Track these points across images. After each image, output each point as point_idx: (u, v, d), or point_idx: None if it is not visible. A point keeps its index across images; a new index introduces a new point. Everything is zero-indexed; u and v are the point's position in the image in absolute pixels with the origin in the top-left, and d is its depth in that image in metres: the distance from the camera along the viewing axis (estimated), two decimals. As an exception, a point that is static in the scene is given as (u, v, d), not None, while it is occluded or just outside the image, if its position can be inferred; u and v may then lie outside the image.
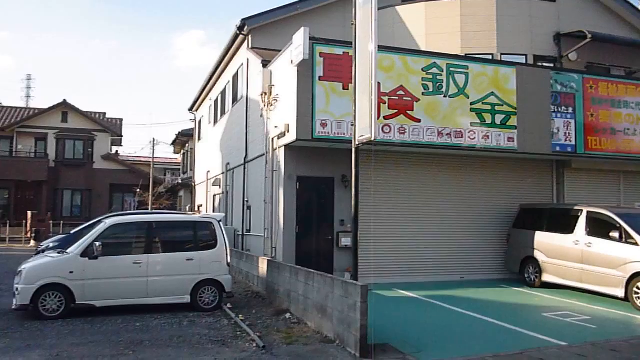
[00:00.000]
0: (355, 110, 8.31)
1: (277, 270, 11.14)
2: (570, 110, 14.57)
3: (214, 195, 22.10)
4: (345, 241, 12.79)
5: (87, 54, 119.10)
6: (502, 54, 16.53)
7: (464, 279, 14.12)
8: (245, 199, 16.43)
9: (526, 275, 13.55)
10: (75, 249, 9.82)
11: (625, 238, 11.25)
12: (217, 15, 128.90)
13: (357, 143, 8.31)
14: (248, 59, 16.82)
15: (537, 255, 13.21)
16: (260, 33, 16.82)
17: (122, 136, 39.67)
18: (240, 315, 9.72)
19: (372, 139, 7.71)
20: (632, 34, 18.75)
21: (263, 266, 12.27)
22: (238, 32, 16.93)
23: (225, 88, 20.78)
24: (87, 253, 9.70)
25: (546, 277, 12.97)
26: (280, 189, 13.10)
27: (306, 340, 8.12)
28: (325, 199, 13.30)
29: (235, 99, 18.77)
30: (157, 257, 10.19)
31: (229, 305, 10.68)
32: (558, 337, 8.28)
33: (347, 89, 11.77)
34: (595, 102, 14.89)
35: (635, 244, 11.01)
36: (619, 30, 18.50)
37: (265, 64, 14.40)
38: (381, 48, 12.66)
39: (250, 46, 16.73)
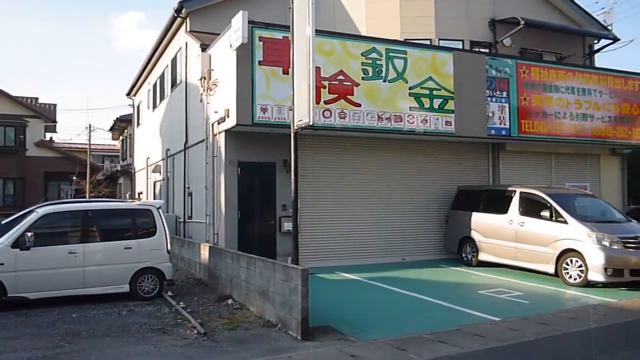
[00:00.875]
0: (293, 95, 8.30)
1: (219, 256, 11.07)
2: (505, 94, 15.05)
3: (155, 182, 21.65)
4: (288, 226, 12.83)
5: (19, 35, 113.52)
6: (440, 39, 16.85)
7: (405, 260, 14.44)
8: (187, 185, 16.19)
9: (464, 255, 13.99)
10: (5, 239, 9.42)
11: (555, 217, 11.76)
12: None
13: (296, 128, 8.32)
14: (187, 43, 16.48)
15: (474, 235, 13.66)
16: (199, 16, 16.45)
17: (56, 122, 38.08)
18: (182, 303, 9.63)
19: (311, 123, 7.73)
20: (562, 21, 19.45)
21: (205, 253, 12.17)
22: (176, 15, 16.52)
23: (164, 72, 20.30)
24: (19, 244, 9.33)
25: (482, 256, 13.43)
26: (222, 175, 12.97)
27: (248, 325, 8.13)
28: (267, 184, 13.27)
29: (174, 84, 18.38)
30: (94, 247, 9.92)
31: (170, 293, 10.55)
32: (492, 313, 8.61)
33: (288, 74, 11.62)
34: (528, 86, 15.42)
35: (565, 222, 11.54)
36: (550, 17, 19.15)
37: (204, 47, 14.15)
38: (321, 32, 12.70)
39: (188, 29, 16.37)
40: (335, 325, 7.85)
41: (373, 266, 13.42)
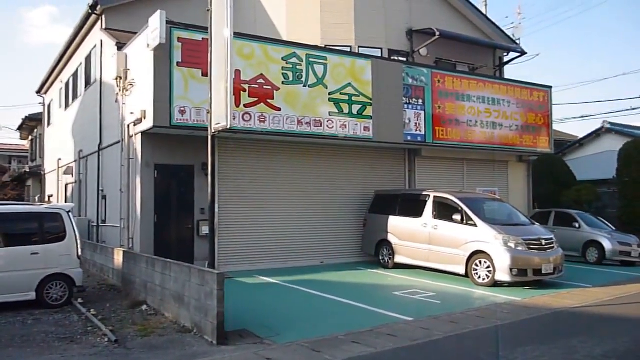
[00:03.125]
0: (211, 97, 8.22)
1: (134, 261, 10.75)
2: (420, 102, 15.59)
3: (66, 185, 20.70)
4: (206, 229, 12.61)
5: None
6: (359, 47, 17.18)
7: (324, 263, 14.61)
8: (100, 188, 15.61)
9: (381, 258, 14.33)
10: None
11: (465, 220, 12.29)
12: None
13: (213, 131, 8.24)
14: (102, 41, 15.91)
15: (391, 238, 14.03)
16: (115, 13, 15.93)
17: (-43, 120, 35.68)
18: (92, 310, 9.28)
19: (228, 127, 7.70)
20: (475, 34, 20.37)
21: (119, 258, 11.78)
22: (91, 11, 15.93)
23: (77, 70, 19.47)
24: None
25: (399, 259, 13.82)
26: (138, 177, 12.61)
27: (162, 331, 7.96)
28: (185, 187, 13.04)
29: (88, 82, 17.68)
30: (-4, 252, 9.37)
31: (80, 300, 10.14)
32: (406, 313, 8.89)
33: (207, 76, 11.56)
34: (442, 95, 16.05)
35: (474, 225, 12.08)
36: (464, 30, 20.02)
37: (120, 46, 13.73)
38: (241, 35, 12.69)
39: (104, 27, 15.81)
40: (252, 329, 7.83)
41: (292, 269, 13.48)
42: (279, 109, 13.02)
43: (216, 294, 7.17)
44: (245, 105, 12.54)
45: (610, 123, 26.85)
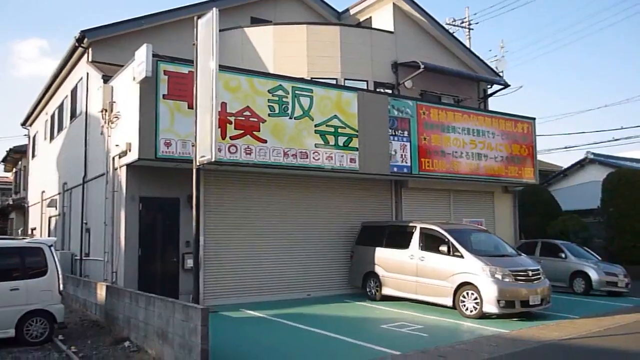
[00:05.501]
0: (196, 130, 8.21)
1: (117, 296, 10.56)
2: (406, 133, 15.69)
3: (50, 217, 20.44)
4: (191, 263, 12.46)
5: None
6: (345, 79, 17.35)
7: (310, 296, 14.44)
8: (84, 221, 15.42)
9: (368, 290, 14.21)
10: None
11: (452, 251, 12.26)
12: (63, 24, 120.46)
13: (198, 164, 8.20)
14: (88, 73, 15.93)
15: (377, 270, 13.94)
16: (102, 46, 16.00)
17: (-59, 152, 35.28)
18: (73, 347, 9.04)
19: (213, 160, 7.65)
20: (459, 67, 20.68)
21: (102, 292, 11.56)
22: (77, 45, 15.98)
23: (63, 102, 19.44)
24: None
25: (386, 291, 13.71)
26: (122, 210, 12.48)
27: (145, 368, 7.77)
28: (170, 220, 12.91)
29: (73, 115, 17.62)
30: (-25, 288, 9.15)
31: (60, 336, 9.87)
32: (393, 347, 8.76)
33: (193, 108, 11.57)
34: (427, 126, 16.18)
35: (461, 256, 12.05)
36: (449, 63, 20.32)
37: (106, 79, 13.74)
38: (228, 69, 12.79)
39: (90, 60, 15.85)
40: (237, 366, 7.68)
41: (279, 302, 13.31)
42: (265, 141, 13.03)
43: (200, 330, 7.02)
44: (231, 138, 12.54)
45: (593, 154, 27.26)
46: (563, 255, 16.64)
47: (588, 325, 10.97)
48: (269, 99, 13.25)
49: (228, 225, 13.53)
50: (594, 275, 15.82)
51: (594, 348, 9.26)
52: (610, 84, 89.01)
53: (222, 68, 11.53)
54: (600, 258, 17.09)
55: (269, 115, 13.18)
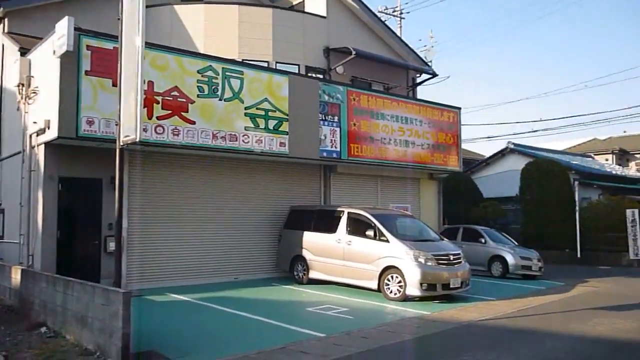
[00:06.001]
0: (120, 108, 7.91)
1: (33, 280, 10.10)
2: (336, 119, 15.81)
3: (-40, 198, 19.20)
4: (114, 246, 12.10)
5: None
6: (277, 62, 17.20)
7: (238, 279, 14.37)
8: (-2, 202, 14.61)
9: (295, 273, 14.30)
10: None
11: (378, 236, 12.52)
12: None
13: (122, 144, 7.92)
14: (3, 45, 15.00)
15: (305, 253, 14.04)
16: (19, 17, 15.03)
17: None
18: (-16, 333, 8.61)
19: (137, 140, 7.41)
20: (390, 54, 20.97)
21: (16, 276, 11.03)
22: (-9, 14, 14.99)
23: (-25, 75, 18.22)
24: None
25: (313, 274, 13.84)
26: (40, 191, 11.90)
27: (62, 354, 7.49)
28: (92, 202, 12.43)
29: (-13, 89, 16.56)
30: None
31: (-30, 323, 9.38)
32: (319, 330, 8.88)
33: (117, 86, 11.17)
34: (357, 112, 16.36)
35: (387, 241, 12.33)
36: (380, 50, 20.53)
37: (23, 52, 12.99)
38: (155, 46, 12.40)
39: (6, 30, 14.91)
40: (161, 350, 7.52)
41: (205, 286, 13.15)
42: (194, 122, 12.76)
43: (121, 314, 6.84)
44: (158, 118, 12.20)
45: (514, 144, 28.59)
46: (483, 241, 17.39)
47: (503, 307, 11.54)
48: (198, 80, 12.96)
49: (153, 208, 13.21)
50: (510, 259, 16.64)
51: (507, 328, 9.75)
52: (532, 77, 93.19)
53: (149, 45, 11.20)
54: (517, 243, 17.98)
55: (198, 96, 12.90)
